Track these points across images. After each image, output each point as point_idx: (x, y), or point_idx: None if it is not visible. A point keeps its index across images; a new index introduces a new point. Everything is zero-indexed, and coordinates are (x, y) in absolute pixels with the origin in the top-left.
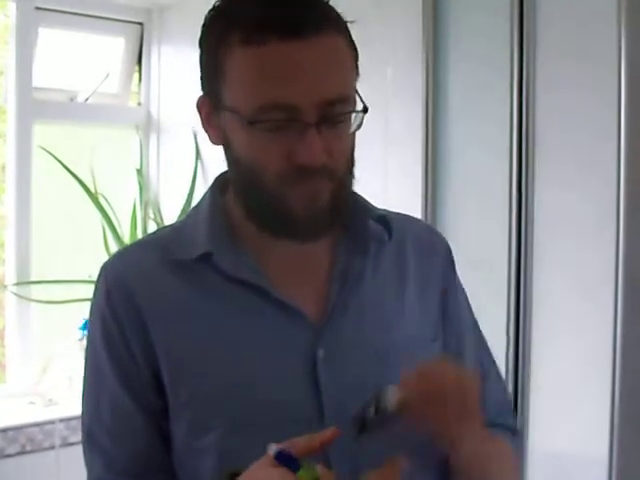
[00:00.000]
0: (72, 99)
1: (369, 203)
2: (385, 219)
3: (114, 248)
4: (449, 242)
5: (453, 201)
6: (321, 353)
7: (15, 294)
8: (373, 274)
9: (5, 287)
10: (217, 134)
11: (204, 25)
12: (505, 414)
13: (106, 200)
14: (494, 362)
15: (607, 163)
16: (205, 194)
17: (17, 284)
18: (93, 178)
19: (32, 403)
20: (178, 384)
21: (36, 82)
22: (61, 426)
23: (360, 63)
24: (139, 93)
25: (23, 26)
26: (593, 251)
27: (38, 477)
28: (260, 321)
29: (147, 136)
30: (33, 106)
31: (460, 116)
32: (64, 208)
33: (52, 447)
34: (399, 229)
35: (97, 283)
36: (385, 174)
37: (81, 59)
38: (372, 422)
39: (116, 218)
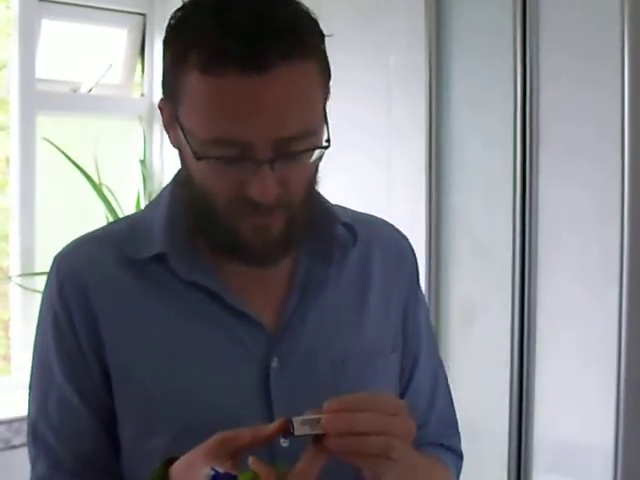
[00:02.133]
0: (75, 90)
1: (335, 207)
2: (350, 226)
3: None
4: (455, 232)
5: (457, 192)
6: (275, 363)
7: (20, 285)
8: (335, 282)
9: (9, 279)
10: (175, 140)
11: (167, 28)
12: (448, 434)
13: (110, 191)
14: (445, 378)
15: (611, 154)
16: (165, 187)
17: (21, 275)
18: (97, 169)
19: None
20: (125, 386)
21: (39, 74)
22: None
23: (363, 52)
24: (142, 84)
25: (26, 18)
26: (597, 242)
27: None
28: (213, 327)
29: (150, 127)
30: (36, 98)
31: (464, 107)
32: (68, 199)
33: None
34: (365, 235)
35: (50, 274)
36: (389, 164)
37: (84, 50)
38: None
39: (120, 209)
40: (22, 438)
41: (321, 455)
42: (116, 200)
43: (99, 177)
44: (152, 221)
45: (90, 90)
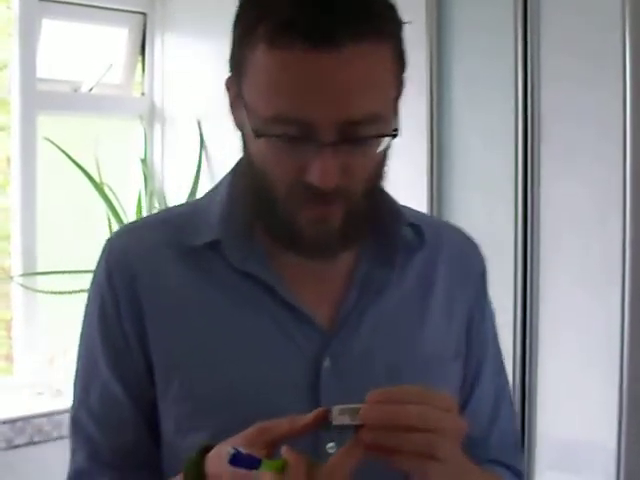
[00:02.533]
0: (76, 90)
1: (403, 207)
2: (418, 227)
3: None
4: None
5: (458, 192)
6: (327, 363)
7: (21, 285)
8: (396, 285)
9: (11, 278)
10: (238, 122)
11: (239, 3)
12: (508, 451)
13: (111, 190)
14: (509, 392)
15: (612, 154)
16: (224, 177)
17: (23, 275)
18: (98, 168)
19: (40, 394)
20: (169, 378)
21: (40, 73)
22: (69, 416)
23: None
24: (143, 83)
25: (26, 18)
26: (599, 242)
27: (46, 467)
28: (265, 320)
29: (151, 126)
30: (37, 97)
31: (464, 107)
32: (69, 199)
33: (60, 437)
34: (432, 238)
35: (100, 258)
36: (389, 166)
37: (84, 50)
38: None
39: (121, 208)
40: (25, 438)
41: (357, 449)
42: (117, 199)
43: (100, 176)
44: (209, 208)
45: (91, 90)
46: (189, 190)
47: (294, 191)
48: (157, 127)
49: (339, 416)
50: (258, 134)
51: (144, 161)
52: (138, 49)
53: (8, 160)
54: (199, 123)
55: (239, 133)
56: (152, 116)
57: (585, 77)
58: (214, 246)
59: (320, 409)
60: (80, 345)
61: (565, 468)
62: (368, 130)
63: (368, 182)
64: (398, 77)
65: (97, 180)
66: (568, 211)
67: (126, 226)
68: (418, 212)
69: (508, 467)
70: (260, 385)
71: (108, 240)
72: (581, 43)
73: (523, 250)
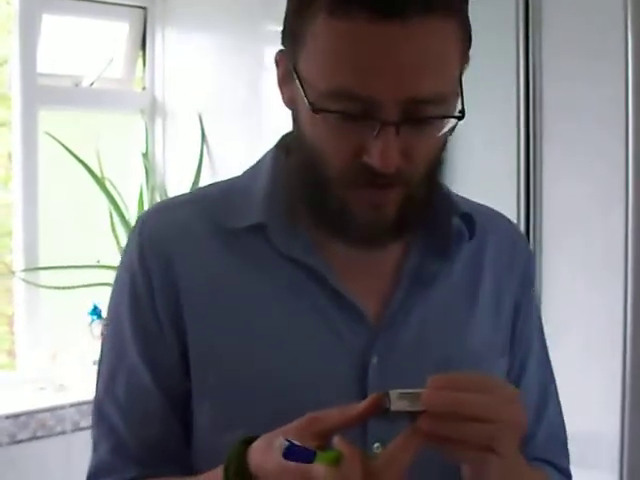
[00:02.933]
0: (77, 85)
1: (456, 196)
2: (470, 216)
3: (121, 232)
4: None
5: (460, 190)
6: (375, 359)
7: (23, 280)
8: (446, 277)
9: (13, 274)
10: (289, 98)
11: None
12: (556, 450)
13: (112, 185)
14: (556, 390)
15: (614, 151)
16: (266, 154)
17: (25, 270)
18: (99, 163)
19: (43, 389)
20: (206, 367)
21: (40, 68)
22: (72, 411)
23: None
24: (143, 77)
25: (26, 13)
26: (601, 237)
27: (49, 462)
28: (311, 309)
29: (152, 120)
30: (38, 92)
31: (466, 106)
32: (71, 194)
33: (63, 432)
34: (481, 227)
35: (131, 236)
36: None
37: (85, 44)
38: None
39: (123, 202)
40: (27, 433)
41: (415, 439)
42: (119, 194)
43: (101, 171)
44: (250, 188)
45: (92, 84)
46: (190, 184)
47: (350, 173)
48: (158, 121)
49: (398, 401)
50: (315, 109)
51: (145, 155)
52: (139, 44)
53: (9, 155)
54: (200, 117)
55: (290, 110)
56: (153, 110)
57: (587, 75)
58: (256, 229)
59: (374, 395)
60: (108, 329)
61: (571, 461)
62: (433, 110)
63: (428, 167)
64: (464, 55)
65: (98, 175)
66: (570, 209)
67: (159, 205)
68: (468, 200)
69: (555, 466)
70: (304, 377)
71: (140, 218)
72: (583, 41)
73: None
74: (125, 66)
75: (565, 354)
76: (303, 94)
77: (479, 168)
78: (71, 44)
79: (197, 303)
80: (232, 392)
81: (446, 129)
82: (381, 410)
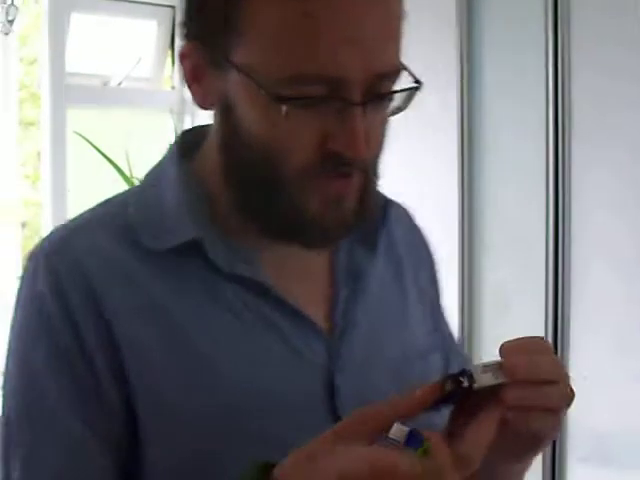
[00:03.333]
0: (105, 84)
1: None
2: (391, 202)
3: None
4: (488, 220)
5: (490, 180)
6: (339, 376)
7: None
8: (374, 271)
9: None
10: (209, 96)
11: None
12: None
13: None
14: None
15: None
16: (164, 160)
17: None
18: (128, 162)
19: None
20: (153, 412)
21: (69, 68)
22: None
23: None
24: (172, 76)
25: (55, 12)
26: (631, 228)
27: None
28: (266, 330)
29: (181, 119)
30: (66, 91)
31: (495, 96)
32: (100, 193)
33: None
34: (392, 215)
35: (33, 274)
36: (421, 155)
37: (113, 43)
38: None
39: None
40: None
41: (495, 414)
42: None
43: (130, 170)
44: (162, 200)
45: (120, 83)
46: None
47: (310, 167)
48: (187, 120)
49: (482, 375)
50: (281, 98)
51: None
52: (168, 42)
53: (38, 154)
54: None
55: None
56: (182, 109)
57: (617, 64)
58: (189, 247)
59: (431, 383)
60: (10, 392)
61: (598, 460)
62: (391, 85)
63: (381, 150)
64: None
65: (127, 174)
66: (599, 197)
67: (62, 231)
68: None
69: None
70: (268, 410)
71: (39, 252)
72: (612, 31)
73: (554, 237)
74: (154, 65)
75: (595, 349)
76: (256, 85)
77: (508, 160)
78: (100, 43)
79: (137, 344)
80: (184, 441)
81: (400, 104)
82: (445, 394)
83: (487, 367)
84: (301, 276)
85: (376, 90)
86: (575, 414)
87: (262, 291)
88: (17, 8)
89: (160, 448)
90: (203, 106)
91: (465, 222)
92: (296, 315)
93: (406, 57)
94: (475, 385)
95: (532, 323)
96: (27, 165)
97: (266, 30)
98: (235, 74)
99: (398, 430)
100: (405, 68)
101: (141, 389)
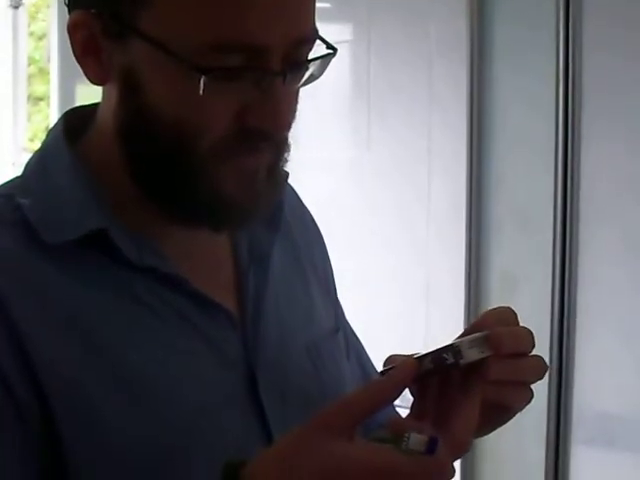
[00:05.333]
0: None
1: None
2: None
3: None
4: (496, 201)
5: (499, 160)
6: (260, 368)
7: None
8: (274, 251)
9: None
10: (106, 71)
11: None
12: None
13: None
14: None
15: None
16: (47, 146)
17: None
18: None
19: None
20: (74, 431)
21: None
22: None
23: (403, 21)
24: None
25: None
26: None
27: None
28: (183, 327)
29: None
30: (76, 67)
31: (506, 74)
32: None
33: None
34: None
35: None
36: (429, 134)
37: None
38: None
39: None
40: None
41: (478, 392)
42: None
43: None
44: (56, 189)
45: None
46: None
47: (224, 142)
48: None
49: (469, 350)
50: (202, 69)
51: None
52: None
53: (47, 129)
54: None
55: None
56: None
57: (628, 42)
58: (93, 239)
59: (406, 360)
60: None
61: (602, 443)
62: (307, 53)
63: (292, 123)
64: None
65: None
66: (609, 179)
67: None
68: None
69: None
70: (189, 415)
71: None
72: (624, 7)
73: (562, 219)
74: None
75: (599, 332)
76: (168, 56)
77: (518, 136)
78: None
79: (50, 355)
80: (110, 462)
81: (315, 72)
82: (424, 373)
83: (473, 342)
84: (208, 263)
85: (294, 58)
86: (580, 397)
87: (176, 283)
88: None
89: (89, 469)
90: (98, 82)
91: (473, 203)
92: (210, 306)
93: (416, 31)
94: (462, 361)
95: (538, 307)
96: (36, 140)
97: None
98: (140, 44)
99: (417, 439)
100: (318, 34)
101: (56, 405)
